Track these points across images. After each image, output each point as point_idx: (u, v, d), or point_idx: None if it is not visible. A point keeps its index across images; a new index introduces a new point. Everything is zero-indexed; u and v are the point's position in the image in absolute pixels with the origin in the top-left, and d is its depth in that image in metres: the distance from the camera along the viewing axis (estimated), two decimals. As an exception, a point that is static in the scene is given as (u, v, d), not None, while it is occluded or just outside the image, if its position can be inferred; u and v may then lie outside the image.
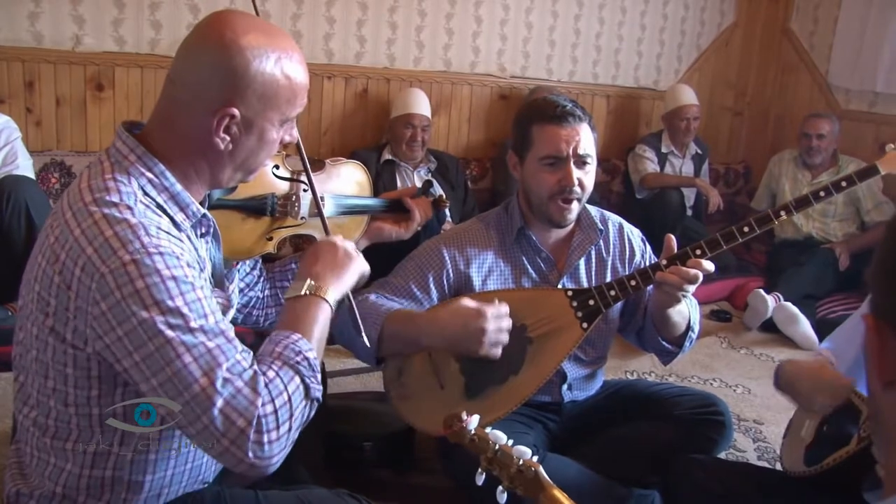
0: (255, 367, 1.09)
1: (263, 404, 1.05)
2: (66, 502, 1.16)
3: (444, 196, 1.79)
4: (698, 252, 1.70)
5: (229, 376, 1.04)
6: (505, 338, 1.62)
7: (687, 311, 1.80)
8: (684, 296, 1.68)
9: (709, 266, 1.66)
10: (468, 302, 1.62)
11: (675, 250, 1.70)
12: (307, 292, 1.21)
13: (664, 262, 1.70)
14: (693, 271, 1.64)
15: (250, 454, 1.03)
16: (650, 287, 1.80)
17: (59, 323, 1.08)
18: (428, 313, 1.70)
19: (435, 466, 1.93)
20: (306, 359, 1.13)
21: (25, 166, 2.81)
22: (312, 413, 1.14)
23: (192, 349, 1.03)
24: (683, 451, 1.75)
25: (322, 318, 1.20)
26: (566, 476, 1.71)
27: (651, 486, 1.84)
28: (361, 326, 1.42)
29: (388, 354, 1.74)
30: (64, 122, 3.30)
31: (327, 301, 1.22)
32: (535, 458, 1.24)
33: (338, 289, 1.26)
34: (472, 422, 1.29)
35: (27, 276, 1.14)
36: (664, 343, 1.85)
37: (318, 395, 1.14)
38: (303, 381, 1.11)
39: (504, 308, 1.62)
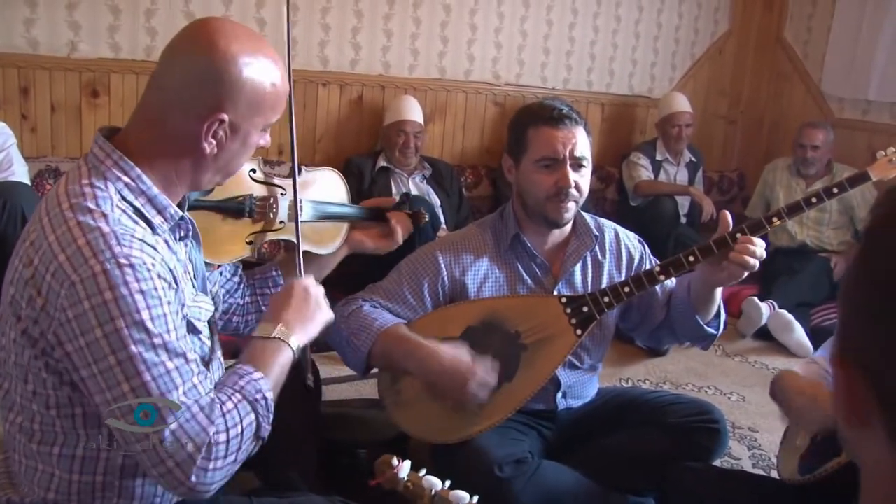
0: (213, 394, 1.12)
1: (217, 432, 1.08)
2: (57, 509, 1.15)
3: (423, 210, 1.79)
4: (691, 258, 1.71)
5: (185, 400, 1.07)
6: (484, 396, 1.66)
7: None
8: (752, 268, 1.68)
9: (759, 244, 1.69)
10: (464, 356, 1.66)
11: (731, 226, 1.72)
12: (277, 337, 1.25)
13: (658, 267, 1.72)
14: (753, 247, 1.68)
15: (193, 478, 1.06)
16: (652, 290, 1.80)
17: (30, 326, 1.09)
18: (422, 346, 1.69)
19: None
20: (265, 398, 1.16)
21: (21, 172, 2.79)
22: (255, 450, 1.17)
23: (152, 368, 1.05)
24: (679, 459, 1.75)
25: (283, 363, 1.24)
26: (562, 483, 1.71)
27: (646, 493, 1.84)
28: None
29: (378, 367, 1.77)
30: (59, 129, 3.29)
31: (291, 348, 1.25)
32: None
33: (301, 338, 1.29)
34: (404, 468, 1.30)
35: (5, 279, 1.15)
36: (706, 327, 1.82)
37: (266, 434, 1.17)
38: (257, 419, 1.15)
39: (492, 379, 1.67)
